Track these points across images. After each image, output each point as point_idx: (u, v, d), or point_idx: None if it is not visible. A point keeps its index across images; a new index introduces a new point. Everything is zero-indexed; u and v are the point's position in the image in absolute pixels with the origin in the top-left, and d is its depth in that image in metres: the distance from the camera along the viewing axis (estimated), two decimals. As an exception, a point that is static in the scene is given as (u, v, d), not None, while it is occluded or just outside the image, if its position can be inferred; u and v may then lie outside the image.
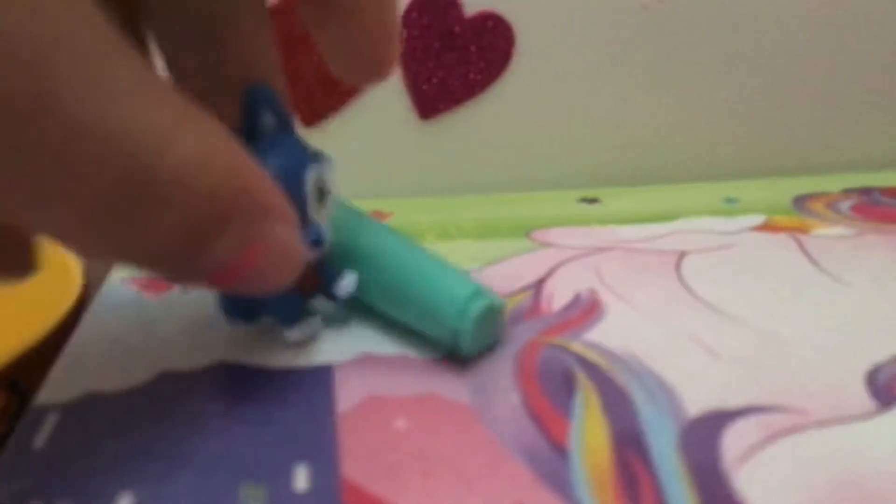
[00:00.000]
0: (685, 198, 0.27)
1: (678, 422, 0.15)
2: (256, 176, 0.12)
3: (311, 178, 0.15)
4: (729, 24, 0.29)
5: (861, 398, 0.15)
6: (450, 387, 0.16)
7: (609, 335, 0.18)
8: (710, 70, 0.29)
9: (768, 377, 0.16)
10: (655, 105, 0.30)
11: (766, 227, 0.24)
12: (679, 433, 0.14)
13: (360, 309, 0.19)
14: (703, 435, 0.14)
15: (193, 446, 0.14)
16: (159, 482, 0.13)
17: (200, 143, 0.11)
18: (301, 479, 0.13)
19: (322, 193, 0.16)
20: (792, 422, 0.15)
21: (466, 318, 0.16)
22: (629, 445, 0.14)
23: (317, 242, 0.16)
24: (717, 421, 0.15)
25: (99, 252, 0.12)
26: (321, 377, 0.16)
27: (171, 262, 0.12)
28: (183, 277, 0.13)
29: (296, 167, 0.15)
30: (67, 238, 0.11)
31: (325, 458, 0.14)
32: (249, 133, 0.15)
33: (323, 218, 0.16)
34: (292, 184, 0.15)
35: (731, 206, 0.26)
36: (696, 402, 0.15)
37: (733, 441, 0.14)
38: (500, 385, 0.16)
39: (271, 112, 0.15)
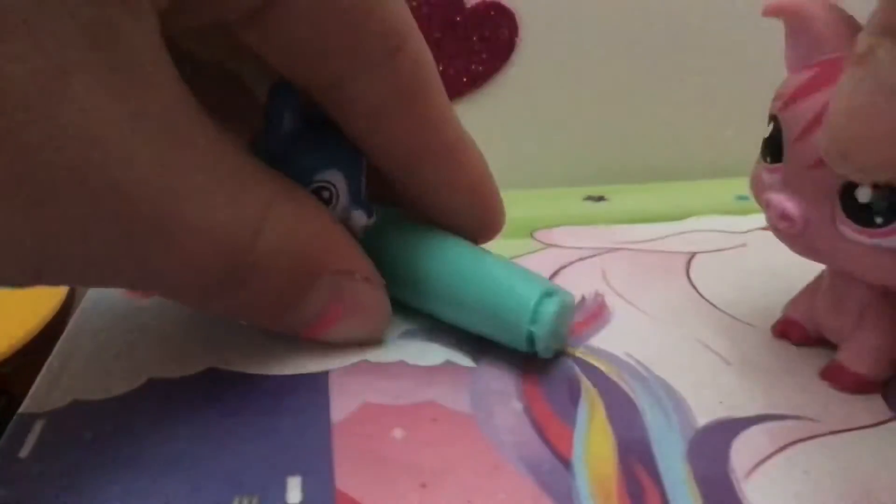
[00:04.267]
0: (695, 195, 0.27)
1: (686, 431, 0.14)
2: (336, 244, 0.15)
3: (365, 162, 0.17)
4: (740, 16, 0.28)
5: (876, 406, 0.15)
6: (449, 395, 0.16)
7: (615, 340, 0.17)
8: (723, 61, 0.29)
9: (780, 384, 0.16)
10: (665, 98, 0.30)
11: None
12: (687, 443, 0.14)
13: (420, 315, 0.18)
14: (712, 444, 0.14)
15: (183, 457, 0.14)
16: (148, 495, 0.13)
17: (282, 227, 0.14)
18: (294, 491, 0.13)
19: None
20: (804, 430, 0.14)
21: (541, 320, 0.15)
22: (635, 455, 0.14)
23: (370, 214, 0.17)
24: (726, 430, 0.14)
25: (208, 312, 0.16)
26: (316, 385, 0.16)
27: (267, 320, 0.15)
28: (281, 330, 0.16)
29: (357, 156, 0.16)
30: (182, 301, 0.15)
31: (319, 469, 0.13)
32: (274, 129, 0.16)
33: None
34: (355, 168, 0.16)
35: (742, 204, 0.25)
36: (705, 410, 0.15)
37: (743, 450, 0.14)
38: (501, 393, 0.16)
39: (292, 112, 0.16)
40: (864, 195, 0.13)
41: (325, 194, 0.16)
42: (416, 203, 0.17)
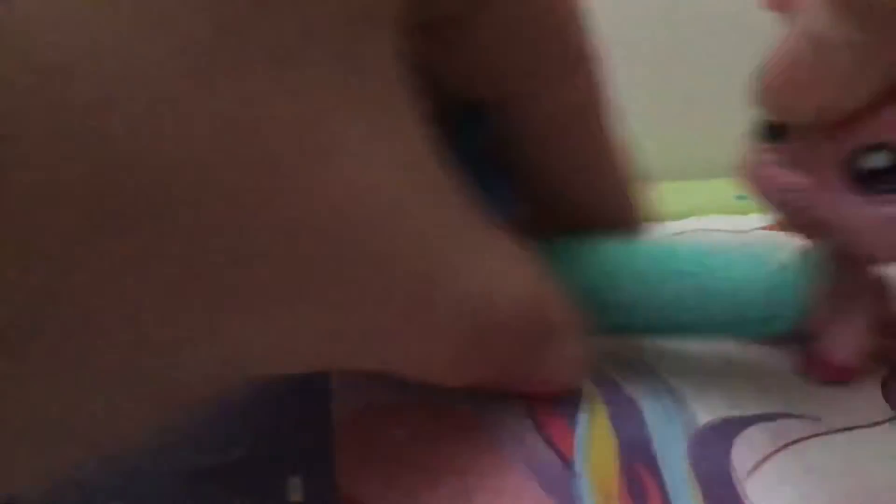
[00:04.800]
0: (695, 195, 0.27)
1: (687, 430, 0.14)
2: (555, 302, 0.14)
3: None
4: (740, 16, 0.28)
5: (876, 404, 0.15)
6: (451, 394, 0.15)
7: (616, 340, 0.17)
8: (723, 61, 0.29)
9: (781, 383, 0.16)
10: (665, 98, 0.30)
11: (778, 225, 0.23)
12: (688, 442, 0.14)
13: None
14: (713, 443, 0.14)
15: (184, 457, 0.14)
16: (149, 495, 0.13)
17: (519, 288, 0.13)
18: (295, 491, 0.13)
19: None
20: (805, 429, 0.14)
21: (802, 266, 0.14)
22: (637, 455, 0.14)
23: None
24: (727, 429, 0.14)
25: (461, 383, 0.13)
26: (317, 384, 0.16)
27: (495, 384, 0.14)
28: (503, 389, 0.14)
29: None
30: (422, 376, 0.13)
31: (320, 469, 0.13)
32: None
33: None
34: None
35: (742, 204, 0.25)
36: (706, 409, 0.15)
37: (744, 449, 0.14)
38: (503, 392, 0.15)
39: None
40: (877, 160, 0.13)
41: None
42: (567, 215, 0.16)
